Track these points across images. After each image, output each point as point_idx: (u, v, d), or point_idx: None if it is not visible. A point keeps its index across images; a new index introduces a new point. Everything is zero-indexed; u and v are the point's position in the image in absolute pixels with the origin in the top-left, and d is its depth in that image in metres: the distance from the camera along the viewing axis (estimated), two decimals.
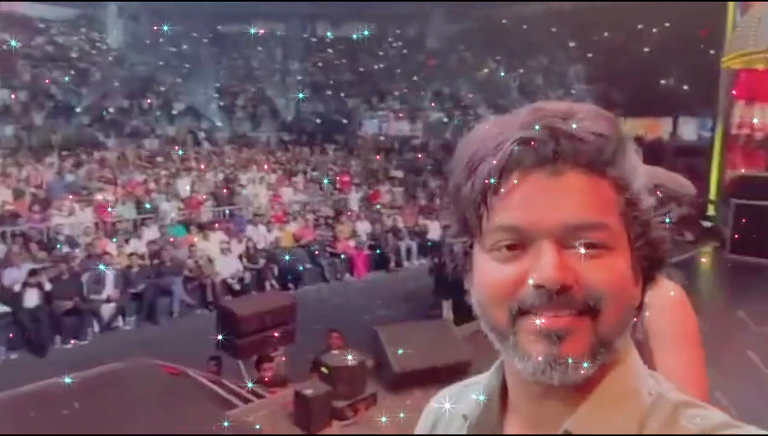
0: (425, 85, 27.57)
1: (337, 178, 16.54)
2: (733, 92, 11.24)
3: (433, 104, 26.18)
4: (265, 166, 16.80)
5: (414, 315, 9.06)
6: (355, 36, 30.72)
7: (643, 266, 0.64)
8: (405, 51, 30.25)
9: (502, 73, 24.13)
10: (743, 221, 8.22)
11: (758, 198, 8.46)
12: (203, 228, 11.93)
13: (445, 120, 25.23)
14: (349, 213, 13.81)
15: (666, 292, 1.41)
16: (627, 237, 0.62)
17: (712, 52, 13.75)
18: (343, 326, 6.87)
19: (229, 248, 11.15)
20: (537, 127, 0.61)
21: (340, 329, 6.65)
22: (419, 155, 20.56)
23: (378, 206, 14.58)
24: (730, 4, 11.13)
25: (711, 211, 10.84)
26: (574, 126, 0.61)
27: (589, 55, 25.81)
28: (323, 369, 4.01)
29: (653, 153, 12.62)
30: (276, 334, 6.34)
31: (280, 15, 30.25)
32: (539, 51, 27.24)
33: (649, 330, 1.40)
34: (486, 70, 26.84)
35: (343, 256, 12.25)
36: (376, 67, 28.97)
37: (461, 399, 0.77)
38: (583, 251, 0.59)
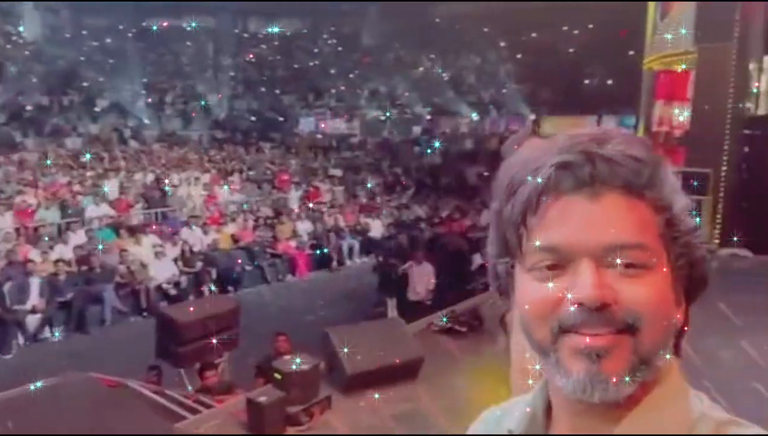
0: (361, 84, 27.60)
1: (276, 177, 16.29)
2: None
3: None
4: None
5: (358, 314, 9.04)
6: (289, 32, 30.33)
7: (685, 287, 0.66)
8: (340, 48, 30.14)
9: (440, 70, 24.49)
10: None
11: None
12: (134, 231, 11.44)
13: (383, 118, 25.35)
14: (289, 212, 13.64)
15: None
16: (667, 257, 0.63)
17: (631, 53, 14.50)
18: (287, 328, 6.76)
19: (163, 252, 10.75)
20: (574, 151, 0.63)
21: (284, 330, 6.54)
22: (357, 153, 20.57)
23: (314, 206, 14.47)
24: (651, 7, 11.73)
25: None
26: (609, 150, 0.62)
27: (519, 55, 26.67)
28: (275, 375, 3.92)
29: None
30: (219, 339, 6.17)
31: (210, 10, 29.41)
32: (471, 50, 27.86)
33: None
34: (421, 69, 27.18)
35: (284, 256, 12.07)
36: (311, 64, 28.73)
37: (505, 416, 0.77)
38: (621, 269, 0.61)
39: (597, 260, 0.61)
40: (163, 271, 10.42)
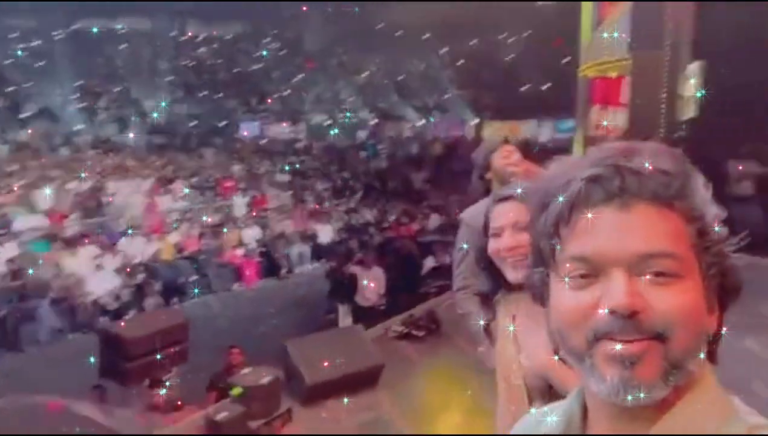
0: (306, 87, 27.36)
1: (219, 183, 15.91)
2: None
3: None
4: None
5: (309, 321, 8.94)
6: (230, 35, 29.68)
7: (718, 294, 0.68)
8: (283, 52, 29.75)
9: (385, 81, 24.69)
10: None
11: None
12: (70, 243, 10.90)
13: (328, 123, 25.22)
14: (236, 220, 13.34)
15: None
16: (698, 266, 0.65)
17: (567, 60, 14.99)
18: (238, 339, 6.62)
19: (101, 264, 10.30)
20: (603, 165, 0.66)
21: (234, 342, 6.38)
22: (304, 159, 20.39)
23: (264, 211, 14.23)
24: (585, 15, 12.19)
25: None
26: (638, 163, 0.65)
27: (460, 62, 27.15)
28: (234, 390, 3.80)
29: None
30: (168, 354, 5.94)
31: (146, 11, 28.37)
32: (414, 56, 28.14)
33: None
34: (365, 74, 27.24)
35: (230, 265, 11.78)
36: (253, 68, 28.24)
37: (543, 421, 0.78)
38: (650, 278, 0.63)
39: (628, 269, 0.63)
40: (102, 284, 9.98)
